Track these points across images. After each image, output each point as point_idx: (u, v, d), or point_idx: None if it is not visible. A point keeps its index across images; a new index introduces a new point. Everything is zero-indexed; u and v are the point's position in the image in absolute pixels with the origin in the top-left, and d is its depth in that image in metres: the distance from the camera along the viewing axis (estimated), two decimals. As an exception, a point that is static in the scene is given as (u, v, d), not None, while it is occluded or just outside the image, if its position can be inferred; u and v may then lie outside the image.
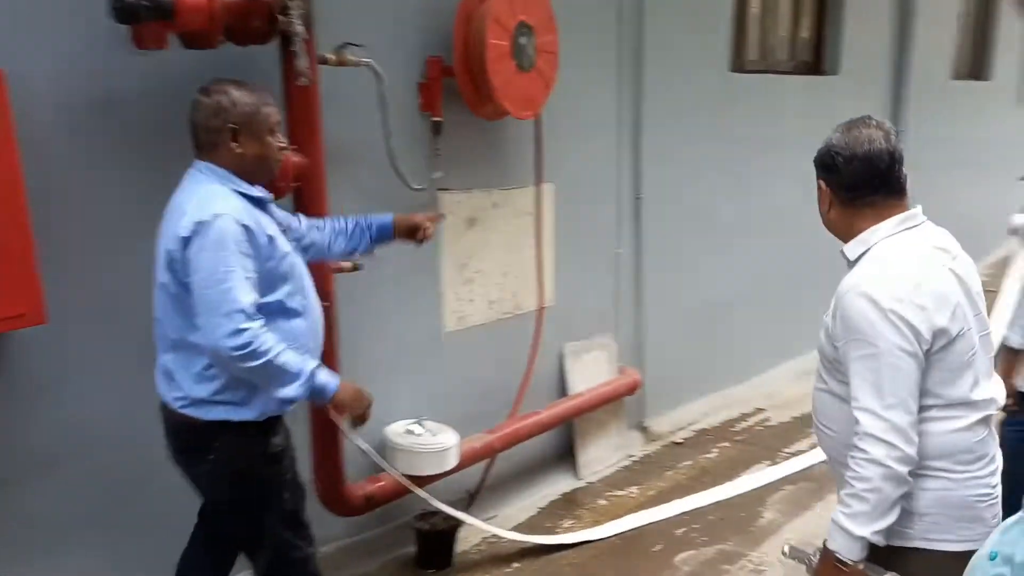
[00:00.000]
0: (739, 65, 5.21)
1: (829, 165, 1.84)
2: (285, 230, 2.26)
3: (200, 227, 1.96)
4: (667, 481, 4.13)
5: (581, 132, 4.08)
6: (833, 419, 1.86)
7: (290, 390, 2.07)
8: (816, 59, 6.18)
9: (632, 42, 4.25)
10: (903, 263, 1.73)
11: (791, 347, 5.97)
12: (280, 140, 2.22)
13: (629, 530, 3.56)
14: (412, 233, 2.74)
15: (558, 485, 3.99)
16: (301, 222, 2.52)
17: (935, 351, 1.66)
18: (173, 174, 2.17)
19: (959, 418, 1.69)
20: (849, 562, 1.66)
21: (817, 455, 4.33)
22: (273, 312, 2.10)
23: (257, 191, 2.16)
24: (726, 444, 4.62)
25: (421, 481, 3.16)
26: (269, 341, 2.00)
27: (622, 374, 4.33)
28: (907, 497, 1.67)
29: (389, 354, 3.30)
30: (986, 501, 1.72)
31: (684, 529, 3.60)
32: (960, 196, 8.91)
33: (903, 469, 1.63)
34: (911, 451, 1.64)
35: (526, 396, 3.82)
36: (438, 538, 3.28)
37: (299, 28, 2.49)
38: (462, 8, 3.25)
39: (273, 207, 2.27)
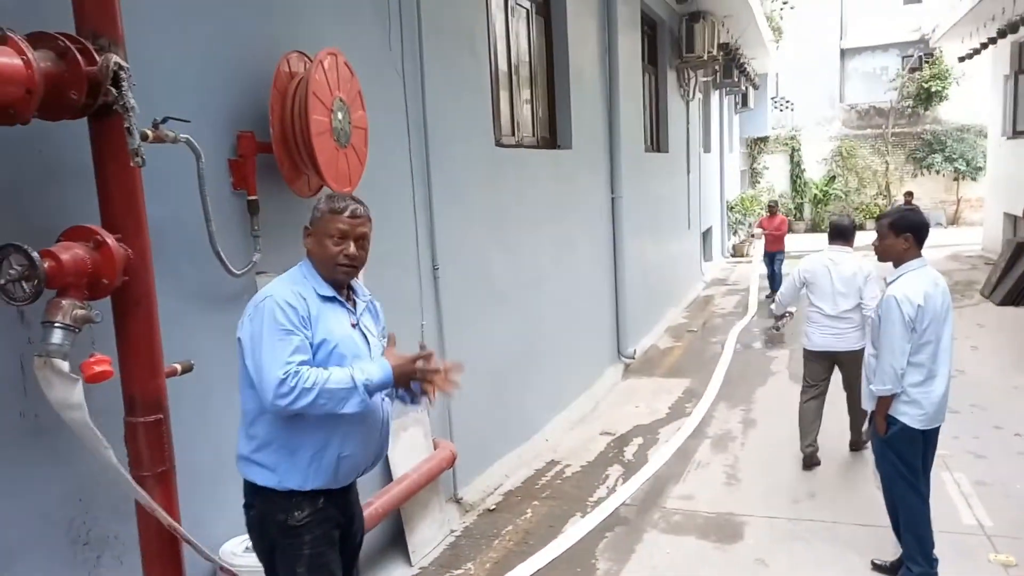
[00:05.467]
0: (497, 140, 5.58)
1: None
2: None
3: (252, 308, 2.29)
4: (497, 551, 4.13)
5: (382, 206, 4.03)
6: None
7: (353, 404, 2.21)
8: (552, 135, 6.86)
9: (418, 120, 4.34)
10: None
11: (561, 399, 6.41)
12: (344, 247, 2.34)
13: (484, 608, 3.50)
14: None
15: (393, 575, 3.78)
16: None
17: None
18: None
19: None
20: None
21: (619, 499, 4.68)
22: None
23: (326, 289, 2.35)
24: (536, 503, 4.77)
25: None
26: (310, 375, 2.16)
27: (438, 447, 4.28)
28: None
29: (219, 461, 2.89)
30: None
31: (534, 596, 3.64)
32: (661, 243, 10.43)
33: None
34: None
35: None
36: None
37: (133, 102, 2.16)
38: (277, 82, 3.08)
39: (359, 310, 2.45)
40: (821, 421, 5.22)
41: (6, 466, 2.19)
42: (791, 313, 5.48)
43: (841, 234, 5.14)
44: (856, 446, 5.34)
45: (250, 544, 2.83)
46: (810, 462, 5.14)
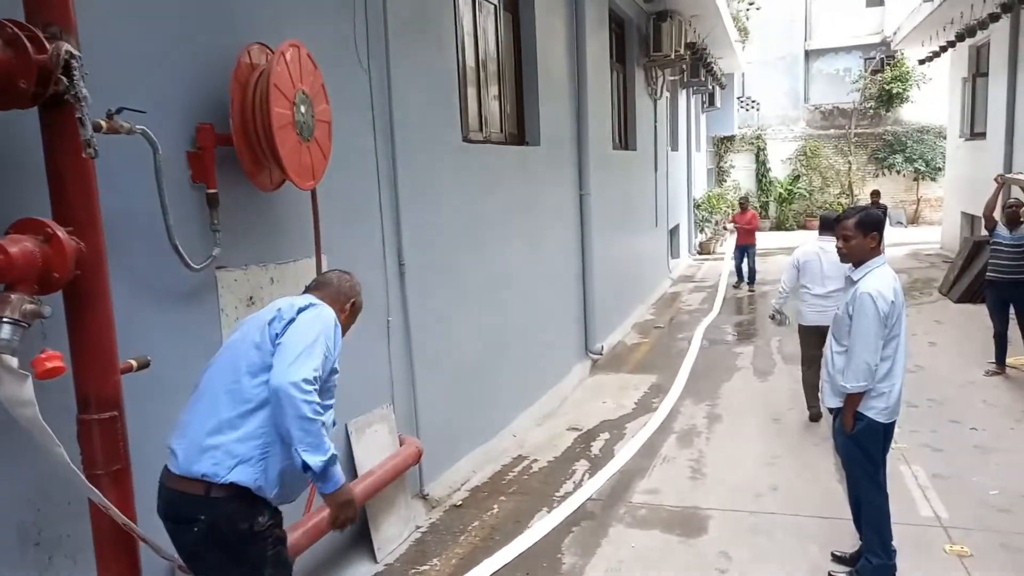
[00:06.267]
0: (464, 135, 5.56)
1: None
2: None
3: (314, 306, 2.48)
4: (463, 547, 4.12)
5: (347, 203, 3.99)
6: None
7: (314, 458, 2.24)
8: (520, 131, 6.85)
9: (383, 114, 4.30)
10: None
11: (528, 395, 6.41)
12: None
13: (449, 604, 3.49)
14: None
15: (358, 573, 3.75)
16: None
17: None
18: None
19: None
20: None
21: (585, 494, 4.70)
22: None
23: None
24: (502, 498, 4.76)
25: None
26: (324, 412, 2.31)
27: (403, 444, 4.25)
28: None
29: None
30: None
31: (499, 591, 3.64)
32: (628, 240, 10.49)
33: None
34: None
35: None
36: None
37: (85, 92, 2.10)
38: (237, 74, 3.03)
39: None
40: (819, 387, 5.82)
41: (-48, 466, 2.13)
42: (786, 317, 6.13)
43: (829, 226, 5.69)
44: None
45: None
46: (814, 419, 5.99)
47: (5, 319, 1.99)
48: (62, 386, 2.26)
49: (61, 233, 2.13)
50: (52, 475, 2.25)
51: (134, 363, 2.51)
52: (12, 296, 2.01)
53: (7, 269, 1.99)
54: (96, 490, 2.24)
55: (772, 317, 6.18)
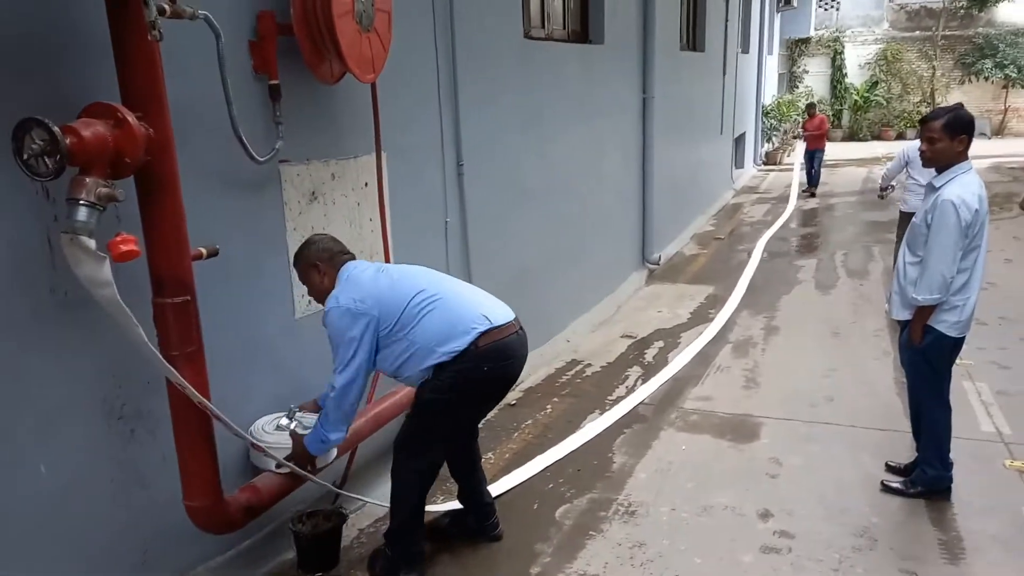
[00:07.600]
0: (526, 31, 5.36)
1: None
2: None
3: None
4: (516, 443, 4.24)
5: (406, 99, 3.93)
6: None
7: None
8: (583, 29, 6.58)
9: (444, 6, 4.16)
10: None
11: (584, 301, 6.42)
12: None
13: (502, 493, 3.62)
14: None
15: (416, 461, 3.90)
16: None
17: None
18: None
19: None
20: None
21: (637, 398, 4.75)
22: None
23: None
24: (555, 399, 4.85)
25: (300, 478, 2.92)
26: None
27: (460, 342, 4.32)
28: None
29: (245, 344, 2.96)
30: None
31: (551, 485, 3.75)
32: (691, 148, 10.17)
33: None
34: None
35: (380, 377, 3.66)
36: (324, 539, 3.05)
37: (149, -28, 2.07)
38: (297, -42, 2.94)
39: None
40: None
41: (39, 343, 2.25)
42: (892, 187, 7.01)
43: None
44: None
45: (281, 423, 2.95)
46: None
47: (81, 201, 2.05)
48: (138, 271, 2.34)
49: (131, 118, 2.15)
50: (132, 353, 2.36)
51: (204, 251, 2.57)
52: (87, 179, 2.06)
53: (80, 152, 2.03)
54: (172, 369, 2.35)
55: (880, 198, 7.19)
